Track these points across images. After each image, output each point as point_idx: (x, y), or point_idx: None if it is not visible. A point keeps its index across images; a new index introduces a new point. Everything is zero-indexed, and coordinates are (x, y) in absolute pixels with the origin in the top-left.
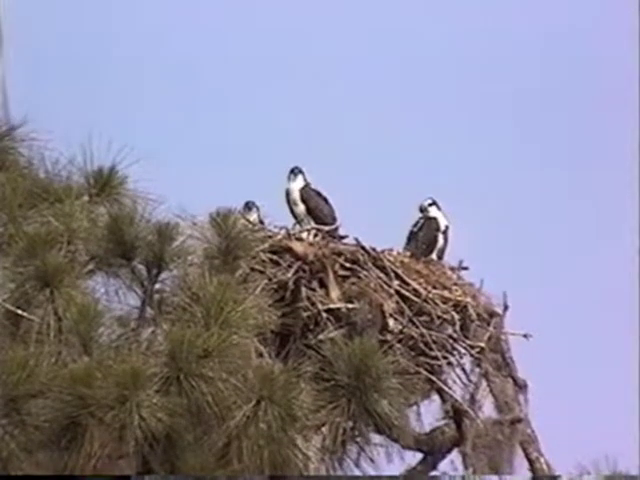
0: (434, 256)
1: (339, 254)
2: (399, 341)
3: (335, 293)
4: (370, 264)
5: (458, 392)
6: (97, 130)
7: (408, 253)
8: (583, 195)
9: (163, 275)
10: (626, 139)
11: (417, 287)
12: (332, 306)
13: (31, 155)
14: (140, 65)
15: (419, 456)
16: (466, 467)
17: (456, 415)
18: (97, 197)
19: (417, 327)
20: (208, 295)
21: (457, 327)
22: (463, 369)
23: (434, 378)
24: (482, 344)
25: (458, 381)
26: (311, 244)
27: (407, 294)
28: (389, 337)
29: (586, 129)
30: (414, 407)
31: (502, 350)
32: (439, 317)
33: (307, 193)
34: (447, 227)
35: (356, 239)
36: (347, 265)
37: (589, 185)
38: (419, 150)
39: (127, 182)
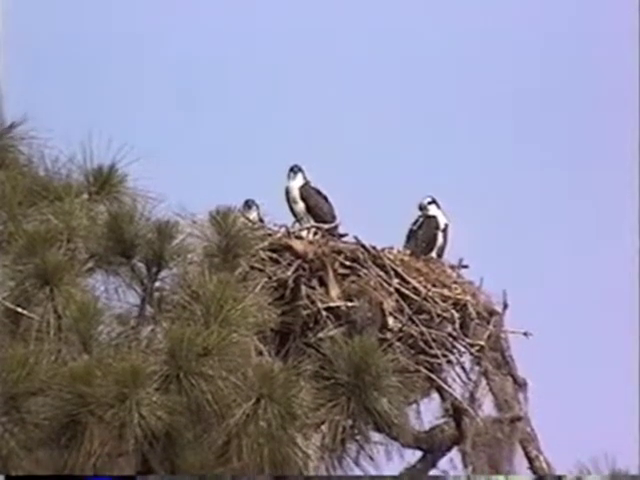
0: (434, 254)
1: (339, 252)
2: (399, 339)
3: (335, 291)
4: (370, 262)
5: (458, 390)
6: (97, 128)
7: (408, 251)
8: (583, 195)
9: (163, 273)
10: (626, 139)
11: (417, 285)
12: (332, 304)
13: (31, 153)
14: (140, 65)
15: (419, 454)
16: (466, 465)
17: (456, 413)
18: (97, 195)
19: (417, 325)
20: (208, 293)
21: (457, 325)
22: (463, 367)
23: (434, 376)
24: (482, 342)
25: (458, 379)
26: (311, 242)
27: (407, 292)
28: (389, 335)
29: (586, 129)
30: (414, 405)
31: (502, 348)
32: (439, 315)
33: (307, 191)
34: (447, 225)
35: (356, 237)
36: (347, 263)
37: (589, 185)
38: (419, 150)
39: (127, 180)
